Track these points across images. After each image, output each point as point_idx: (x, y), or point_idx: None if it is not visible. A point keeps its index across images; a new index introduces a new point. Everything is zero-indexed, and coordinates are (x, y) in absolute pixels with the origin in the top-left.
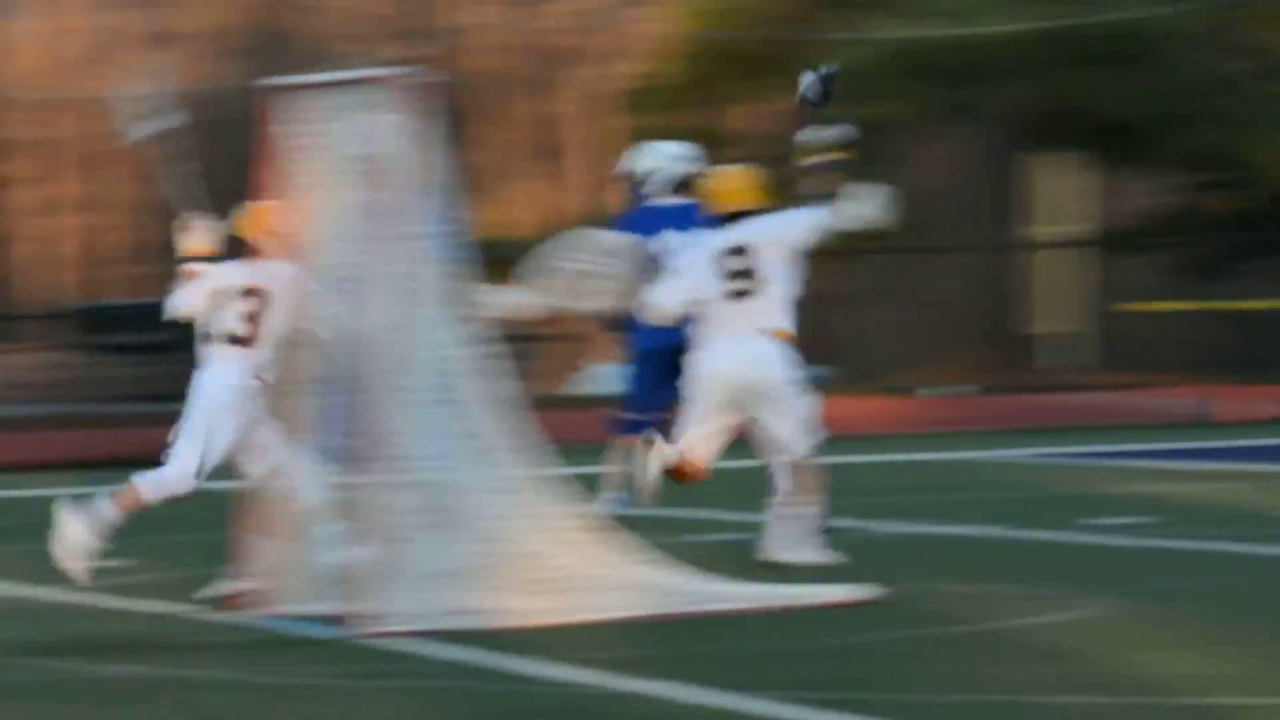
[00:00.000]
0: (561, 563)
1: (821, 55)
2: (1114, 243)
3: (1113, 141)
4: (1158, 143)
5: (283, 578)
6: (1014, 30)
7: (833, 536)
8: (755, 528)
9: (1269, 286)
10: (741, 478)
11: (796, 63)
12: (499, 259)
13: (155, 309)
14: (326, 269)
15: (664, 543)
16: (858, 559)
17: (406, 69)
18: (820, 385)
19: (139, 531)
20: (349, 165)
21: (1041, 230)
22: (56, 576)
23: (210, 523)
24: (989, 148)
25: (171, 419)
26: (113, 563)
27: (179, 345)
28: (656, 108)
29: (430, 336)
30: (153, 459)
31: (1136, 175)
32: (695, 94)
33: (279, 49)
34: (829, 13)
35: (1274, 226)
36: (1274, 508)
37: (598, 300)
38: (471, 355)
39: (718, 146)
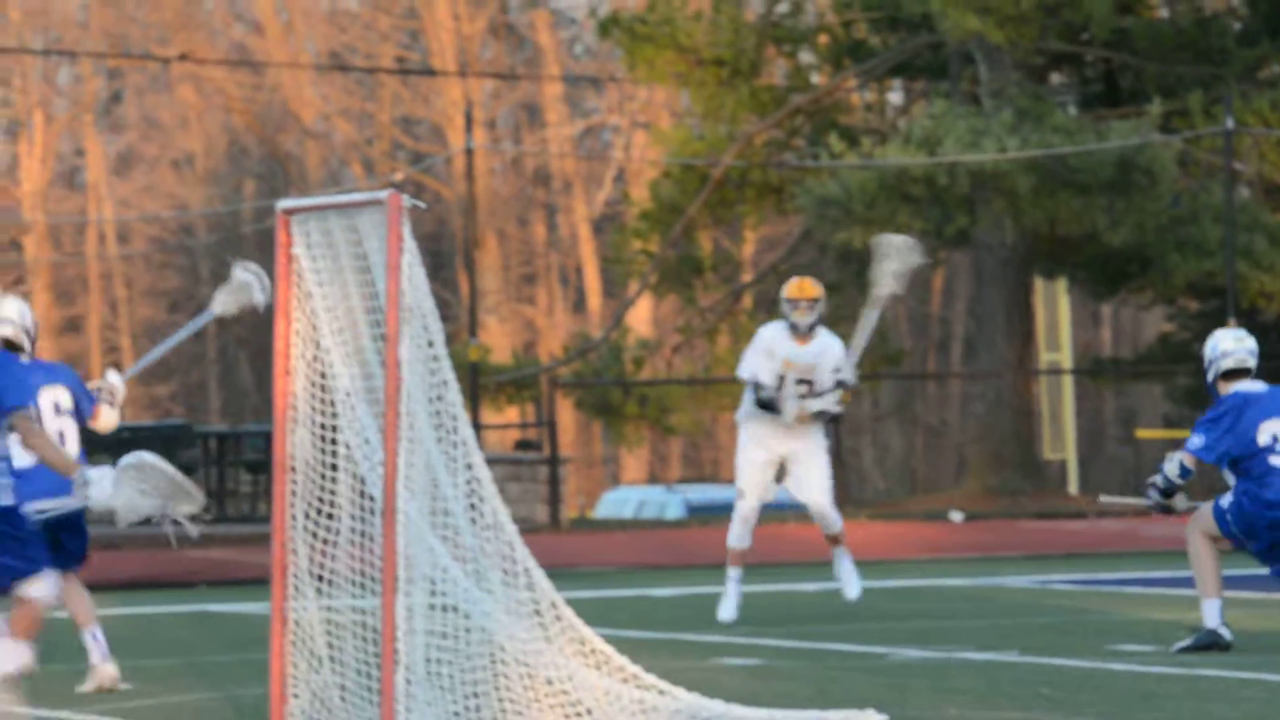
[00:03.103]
0: (589, 687)
1: (811, 180)
2: (1127, 370)
3: (1111, 268)
4: (1160, 270)
5: (314, 699)
6: (1005, 158)
7: (859, 663)
8: (781, 653)
9: None
10: (777, 601)
11: (784, 189)
12: (495, 382)
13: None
14: (338, 390)
15: (694, 666)
16: (884, 685)
17: (401, 191)
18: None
19: (129, 656)
20: (350, 287)
21: (1046, 356)
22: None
23: (187, 646)
24: (986, 273)
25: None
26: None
27: None
28: (649, 233)
29: (424, 459)
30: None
31: (1144, 302)
32: (688, 220)
33: (287, 171)
34: (810, 139)
35: (1277, 355)
36: None
37: None
38: (464, 478)
39: (706, 271)
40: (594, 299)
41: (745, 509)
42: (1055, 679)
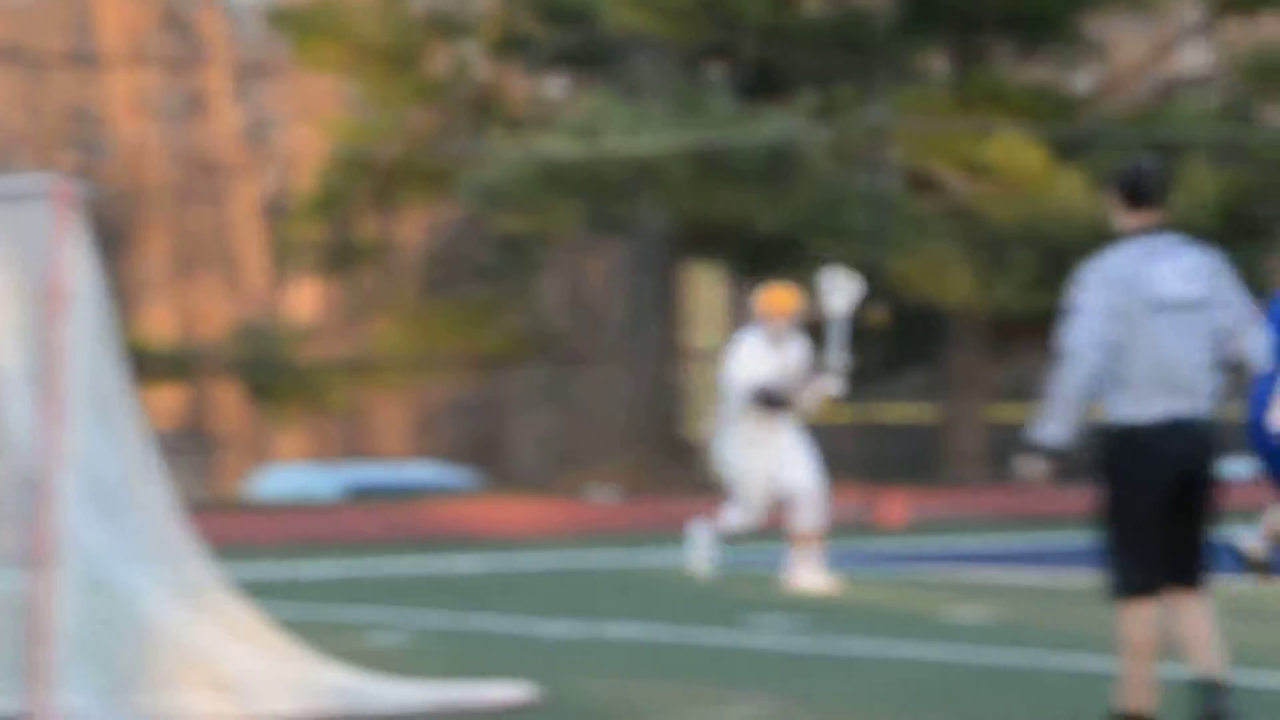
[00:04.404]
0: (240, 663)
1: (470, 169)
2: None
3: (762, 254)
4: (809, 256)
5: None
6: (662, 148)
7: (512, 639)
8: (432, 630)
9: (919, 395)
10: (429, 578)
11: (447, 177)
12: (157, 367)
13: None
14: (1, 371)
15: (347, 643)
16: (522, 660)
17: (64, 178)
18: (473, 490)
19: None
20: (16, 271)
21: (698, 338)
22: None
23: None
24: (641, 260)
25: None
26: None
27: None
28: (312, 220)
29: (83, 440)
30: None
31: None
32: (349, 207)
33: None
34: (474, 128)
35: (919, 338)
36: (928, 611)
37: None
38: (125, 458)
39: (363, 259)
40: (257, 284)
41: (751, 519)
42: (701, 653)
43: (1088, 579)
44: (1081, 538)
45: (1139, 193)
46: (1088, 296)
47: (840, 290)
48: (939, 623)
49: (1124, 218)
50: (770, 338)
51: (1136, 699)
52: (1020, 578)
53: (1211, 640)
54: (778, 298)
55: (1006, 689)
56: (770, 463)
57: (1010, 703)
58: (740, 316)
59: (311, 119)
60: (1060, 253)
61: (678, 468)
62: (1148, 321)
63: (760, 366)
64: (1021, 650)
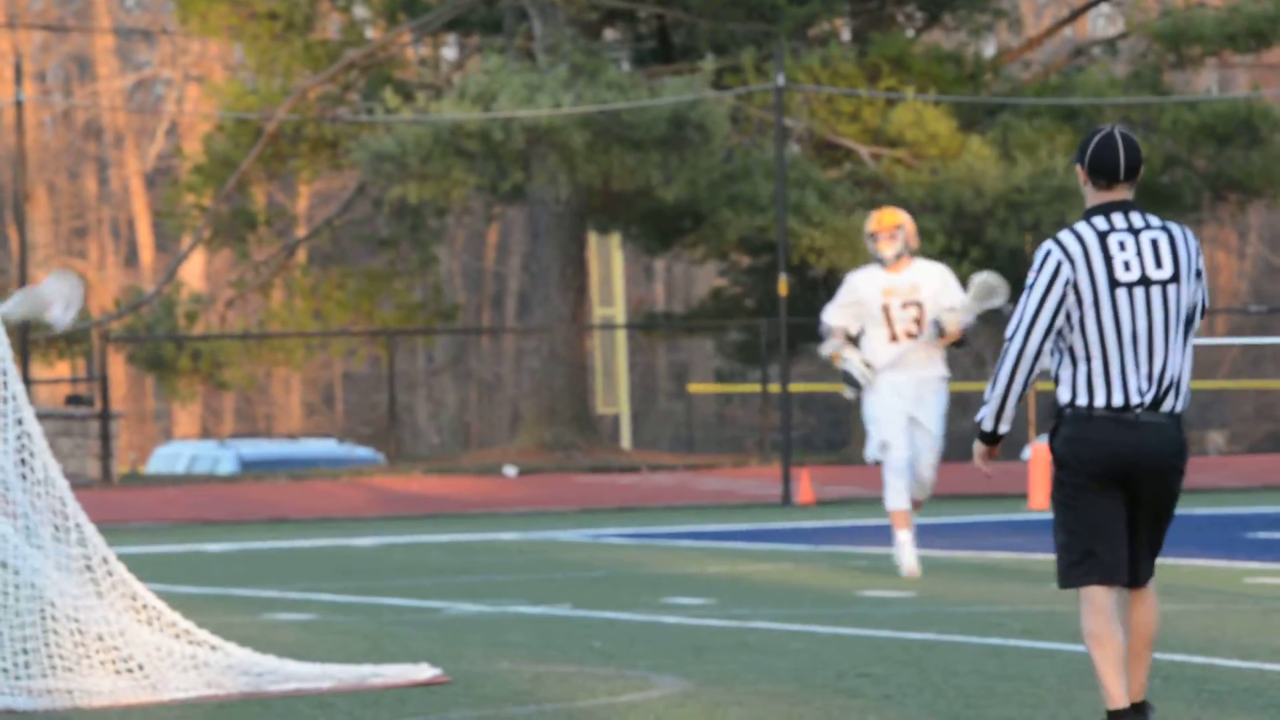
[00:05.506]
0: (141, 643)
1: (366, 134)
2: (679, 325)
3: (667, 224)
4: (713, 225)
5: None
6: (559, 114)
7: (413, 617)
8: (335, 607)
9: (831, 369)
10: (331, 556)
11: (339, 143)
12: (46, 337)
13: None
14: None
15: (247, 621)
16: (438, 639)
17: None
18: (374, 465)
19: None
20: None
21: (600, 311)
22: None
23: None
24: (542, 229)
25: None
26: None
27: None
28: (202, 187)
29: None
30: None
31: (696, 258)
32: (242, 174)
33: None
34: (366, 94)
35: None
36: (842, 589)
37: None
38: (14, 433)
39: (260, 226)
40: (146, 253)
41: (895, 460)
42: (607, 632)
43: (1001, 555)
44: (993, 514)
45: (1102, 165)
46: (1040, 275)
47: (977, 299)
48: (853, 600)
49: (1089, 190)
50: (882, 263)
51: (1111, 692)
52: (933, 554)
53: (1146, 661)
54: (873, 216)
55: (921, 666)
56: (906, 406)
57: (925, 680)
58: (643, 288)
59: (199, 83)
60: (968, 221)
61: (587, 443)
62: (1106, 301)
63: (840, 311)
64: (936, 627)
